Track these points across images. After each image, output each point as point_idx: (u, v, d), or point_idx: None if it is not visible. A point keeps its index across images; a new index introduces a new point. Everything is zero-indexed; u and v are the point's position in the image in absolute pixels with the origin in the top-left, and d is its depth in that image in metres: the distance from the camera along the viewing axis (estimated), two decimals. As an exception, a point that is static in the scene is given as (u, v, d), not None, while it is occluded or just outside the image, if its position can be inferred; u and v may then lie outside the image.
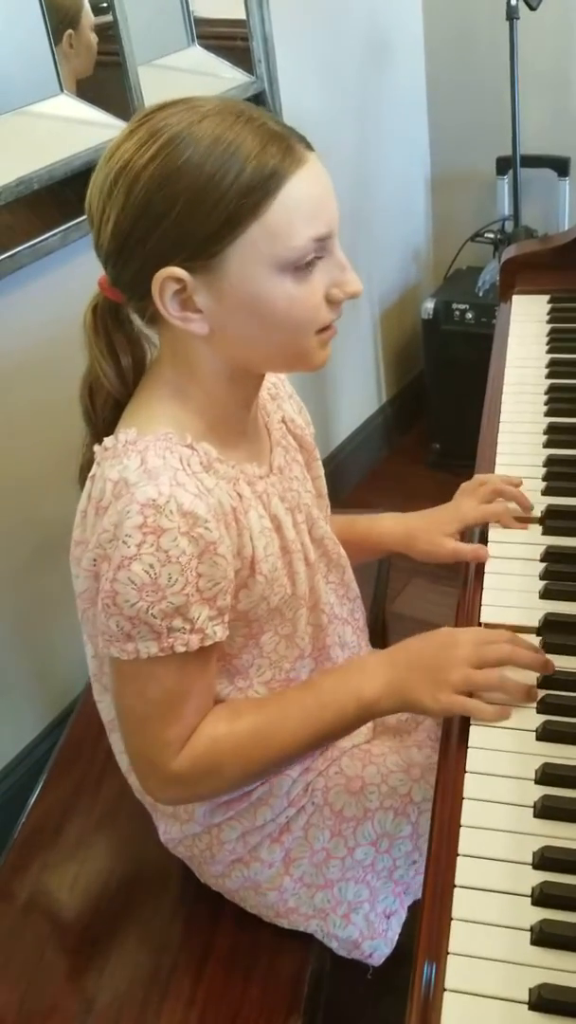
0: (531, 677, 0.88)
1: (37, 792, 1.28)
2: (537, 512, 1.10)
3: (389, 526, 1.16)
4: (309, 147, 0.83)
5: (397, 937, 1.05)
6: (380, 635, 1.48)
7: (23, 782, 1.62)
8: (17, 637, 1.66)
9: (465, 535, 1.12)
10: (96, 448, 0.87)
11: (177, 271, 0.80)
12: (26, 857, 1.19)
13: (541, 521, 1.09)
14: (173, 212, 0.78)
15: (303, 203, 0.80)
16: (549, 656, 0.89)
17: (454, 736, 0.85)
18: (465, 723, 0.86)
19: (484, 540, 1.08)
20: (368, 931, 1.03)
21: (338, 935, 1.03)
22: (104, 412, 0.90)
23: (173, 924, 1.09)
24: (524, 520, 1.10)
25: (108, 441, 0.86)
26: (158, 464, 0.82)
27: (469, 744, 0.83)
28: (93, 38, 1.61)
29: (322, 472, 1.08)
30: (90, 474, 0.87)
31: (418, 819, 1.01)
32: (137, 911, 1.11)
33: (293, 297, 0.82)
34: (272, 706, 0.93)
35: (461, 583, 1.04)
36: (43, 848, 1.20)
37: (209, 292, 0.81)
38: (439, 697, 0.86)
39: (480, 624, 0.97)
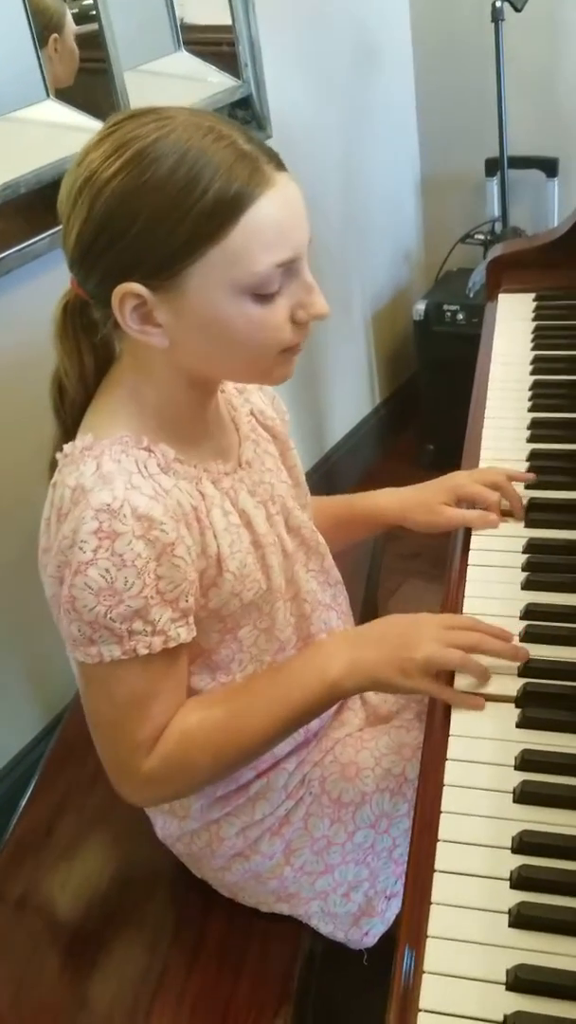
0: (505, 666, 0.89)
1: (30, 792, 1.29)
2: (520, 506, 1.11)
3: (386, 500, 1.17)
4: (280, 166, 0.81)
5: (393, 919, 1.06)
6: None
7: (21, 783, 1.62)
8: (14, 638, 1.66)
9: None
10: (57, 455, 0.88)
11: (136, 287, 0.79)
12: (19, 856, 1.20)
13: (524, 513, 1.10)
14: (133, 230, 0.77)
15: (267, 229, 0.79)
16: (531, 645, 0.90)
17: (436, 723, 0.86)
18: (447, 712, 0.87)
19: (469, 531, 1.09)
20: (367, 908, 1.05)
21: (338, 912, 1.04)
22: (72, 410, 0.91)
23: (164, 920, 1.09)
24: (507, 514, 1.11)
25: (67, 447, 0.87)
26: (112, 468, 0.82)
27: (451, 732, 0.84)
28: (75, 48, 1.61)
29: (298, 461, 1.08)
30: (52, 482, 0.88)
31: (414, 796, 1.01)
32: (129, 908, 1.11)
33: (254, 320, 0.82)
34: (240, 696, 0.94)
35: (446, 574, 1.05)
36: (35, 847, 1.20)
37: (168, 309, 0.81)
38: (407, 676, 0.87)
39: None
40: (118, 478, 0.82)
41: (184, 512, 0.87)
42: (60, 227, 1.50)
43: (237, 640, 0.96)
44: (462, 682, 0.88)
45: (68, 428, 0.91)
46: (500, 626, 0.91)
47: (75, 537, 0.81)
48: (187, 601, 0.86)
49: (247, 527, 0.94)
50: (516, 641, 0.91)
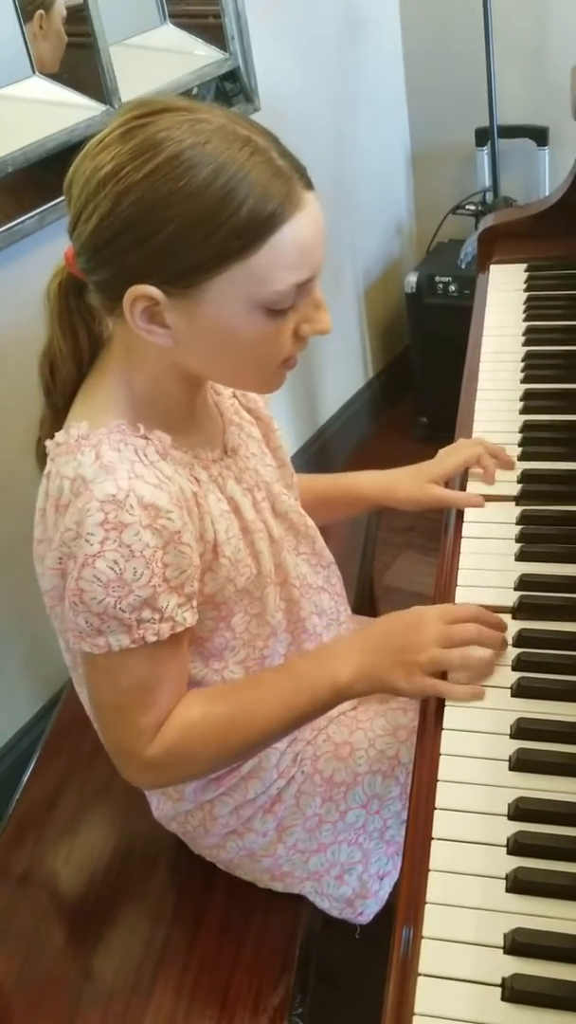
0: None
1: (30, 770, 1.30)
2: (513, 477, 1.11)
3: (371, 479, 1.18)
4: (308, 185, 0.80)
5: (387, 897, 1.07)
6: (369, 607, 1.50)
7: (19, 763, 1.64)
8: (10, 620, 1.67)
9: (449, 487, 1.13)
10: (48, 443, 0.87)
11: (152, 290, 0.78)
12: (22, 833, 1.21)
13: (518, 484, 1.10)
14: (160, 236, 0.76)
15: (291, 250, 0.78)
16: (525, 615, 0.91)
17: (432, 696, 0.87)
18: (442, 678, 0.87)
19: (463, 505, 1.10)
20: (361, 890, 1.06)
21: (332, 894, 1.05)
22: (63, 389, 0.90)
23: (166, 894, 1.10)
24: (503, 465, 1.12)
25: (60, 436, 0.86)
26: (113, 458, 0.82)
27: (447, 703, 0.85)
28: (62, 31, 1.59)
29: (282, 442, 1.07)
30: (45, 471, 0.87)
31: (406, 780, 1.02)
32: (131, 882, 1.13)
33: (263, 333, 0.82)
34: (246, 691, 0.94)
35: (440, 546, 1.06)
36: (38, 824, 1.22)
37: (180, 314, 0.80)
38: (411, 679, 0.87)
39: (456, 587, 0.98)
40: (120, 467, 0.81)
41: (186, 498, 0.87)
42: (48, 205, 1.52)
43: (230, 628, 0.96)
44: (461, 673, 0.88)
45: (58, 409, 0.90)
46: (497, 616, 0.91)
47: (80, 530, 0.80)
48: (192, 586, 0.86)
49: (235, 513, 0.94)
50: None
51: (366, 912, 1.06)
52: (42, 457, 0.89)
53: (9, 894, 1.14)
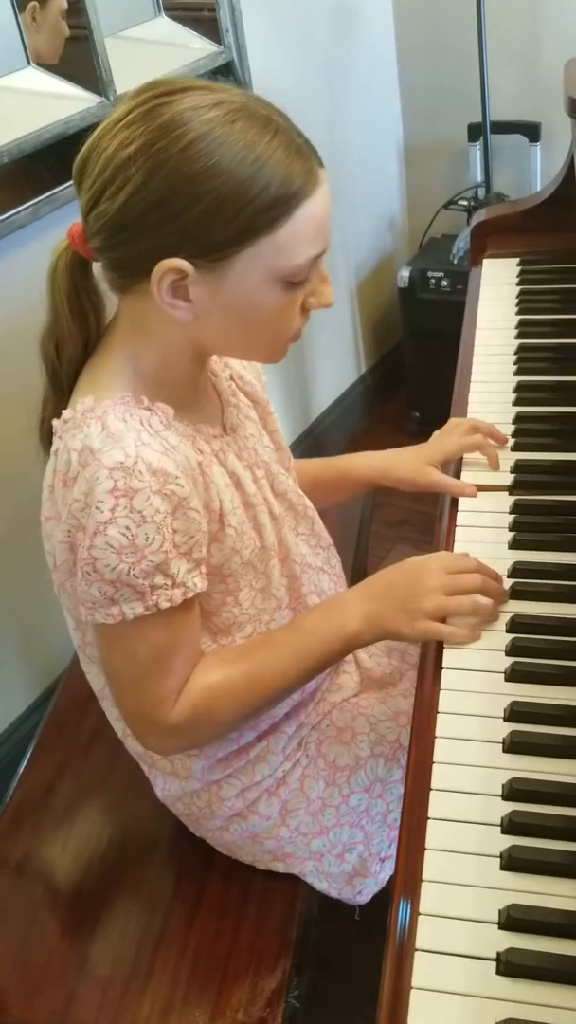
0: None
1: (27, 758, 1.30)
2: (507, 467, 1.13)
3: (369, 458, 1.19)
4: (321, 163, 0.84)
5: (386, 880, 1.08)
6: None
7: (15, 753, 1.64)
8: (6, 609, 1.68)
9: (445, 472, 1.14)
10: (55, 423, 0.88)
11: (183, 264, 0.80)
12: (19, 820, 1.21)
13: (511, 474, 1.12)
14: (194, 211, 0.78)
15: (311, 225, 0.82)
16: (518, 602, 0.93)
17: (428, 676, 0.88)
18: (437, 664, 0.89)
19: (456, 493, 1.11)
20: (361, 868, 1.07)
21: (332, 872, 1.06)
22: (69, 367, 0.91)
23: (163, 879, 1.11)
24: (499, 448, 1.14)
25: (66, 413, 0.87)
26: (120, 427, 0.83)
27: (442, 686, 0.87)
28: (64, 26, 1.59)
29: (279, 425, 1.09)
30: (52, 449, 0.88)
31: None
32: (128, 869, 1.13)
33: (279, 306, 0.85)
34: (260, 650, 0.96)
35: (435, 536, 1.07)
36: (35, 812, 1.22)
37: (206, 287, 0.82)
38: (415, 624, 0.90)
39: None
40: (128, 436, 0.82)
41: (191, 467, 0.88)
42: (42, 197, 1.53)
43: (238, 603, 0.98)
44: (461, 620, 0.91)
45: (62, 388, 0.91)
46: (495, 571, 0.95)
47: (89, 499, 0.81)
48: (200, 551, 0.88)
49: (237, 487, 0.96)
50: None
51: (365, 891, 1.08)
52: (46, 438, 0.90)
53: (6, 881, 1.15)
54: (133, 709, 0.92)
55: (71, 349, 0.90)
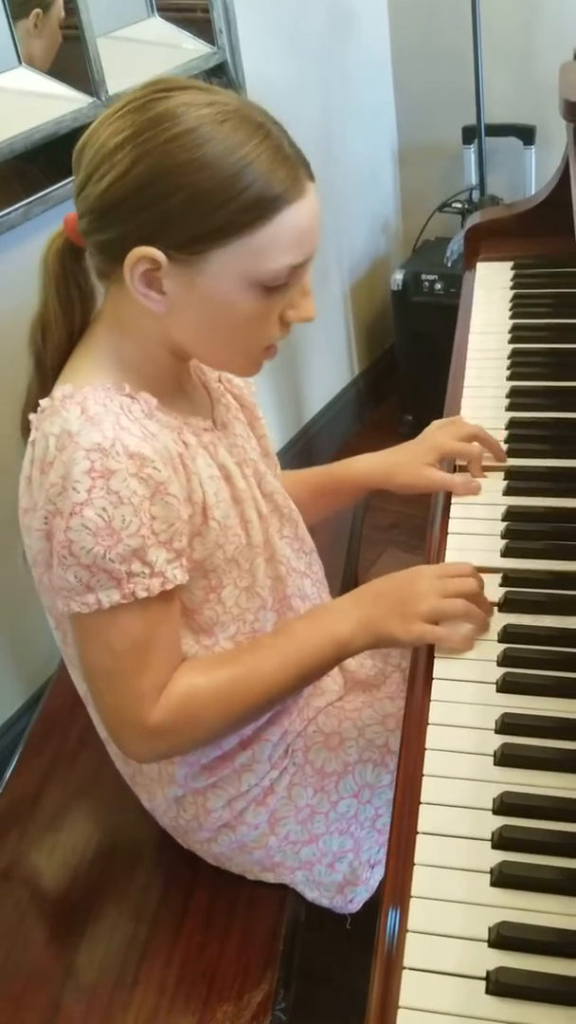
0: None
1: (14, 764, 1.29)
2: (499, 473, 1.12)
3: (366, 464, 1.17)
4: (311, 176, 0.84)
5: (377, 886, 1.07)
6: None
7: (5, 755, 1.63)
8: (-8, 613, 1.67)
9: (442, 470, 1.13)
10: (32, 416, 0.88)
11: (156, 253, 0.80)
12: (4, 828, 1.20)
13: (504, 480, 1.11)
14: (172, 200, 0.79)
15: (291, 233, 0.82)
16: (511, 611, 0.92)
17: (418, 687, 0.87)
18: (428, 675, 0.88)
19: (449, 497, 1.10)
20: (352, 877, 1.06)
21: (323, 881, 1.05)
22: (54, 355, 0.91)
23: (150, 888, 1.10)
24: (490, 469, 1.12)
25: (43, 403, 0.87)
26: (99, 411, 0.83)
27: (432, 697, 0.85)
28: (58, 32, 1.58)
29: (266, 431, 1.09)
30: (29, 439, 0.87)
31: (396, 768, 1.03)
32: (114, 877, 1.12)
33: (253, 312, 0.85)
34: (248, 654, 0.95)
35: (426, 542, 1.06)
36: (21, 819, 1.21)
37: (179, 281, 0.82)
38: (409, 628, 0.89)
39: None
40: (106, 419, 0.83)
41: (171, 456, 0.87)
42: (34, 197, 1.51)
43: (220, 601, 0.96)
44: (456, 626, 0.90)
45: (45, 375, 0.91)
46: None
47: (65, 482, 0.81)
48: (180, 541, 0.87)
49: (227, 481, 0.95)
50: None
51: (356, 900, 1.07)
52: (26, 427, 0.90)
53: (-8, 889, 1.13)
54: (111, 707, 0.90)
55: (56, 336, 0.90)
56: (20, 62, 1.53)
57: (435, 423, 1.17)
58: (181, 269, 0.82)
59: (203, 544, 0.92)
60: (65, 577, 0.83)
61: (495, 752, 0.79)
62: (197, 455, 0.91)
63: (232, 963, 1.01)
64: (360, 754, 1.04)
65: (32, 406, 0.89)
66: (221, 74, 1.93)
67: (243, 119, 0.80)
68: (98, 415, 0.83)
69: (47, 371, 0.91)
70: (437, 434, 1.14)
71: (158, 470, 0.83)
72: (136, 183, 0.79)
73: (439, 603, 0.89)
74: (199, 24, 1.88)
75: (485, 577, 0.95)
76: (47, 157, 1.53)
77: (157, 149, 0.78)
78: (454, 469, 1.13)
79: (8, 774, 1.28)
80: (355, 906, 1.07)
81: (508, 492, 1.09)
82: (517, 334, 1.39)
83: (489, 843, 0.72)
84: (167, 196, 0.79)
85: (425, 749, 0.80)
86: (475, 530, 1.05)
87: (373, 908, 1.06)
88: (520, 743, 0.79)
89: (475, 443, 1.13)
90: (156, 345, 0.89)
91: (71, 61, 1.60)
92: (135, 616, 0.85)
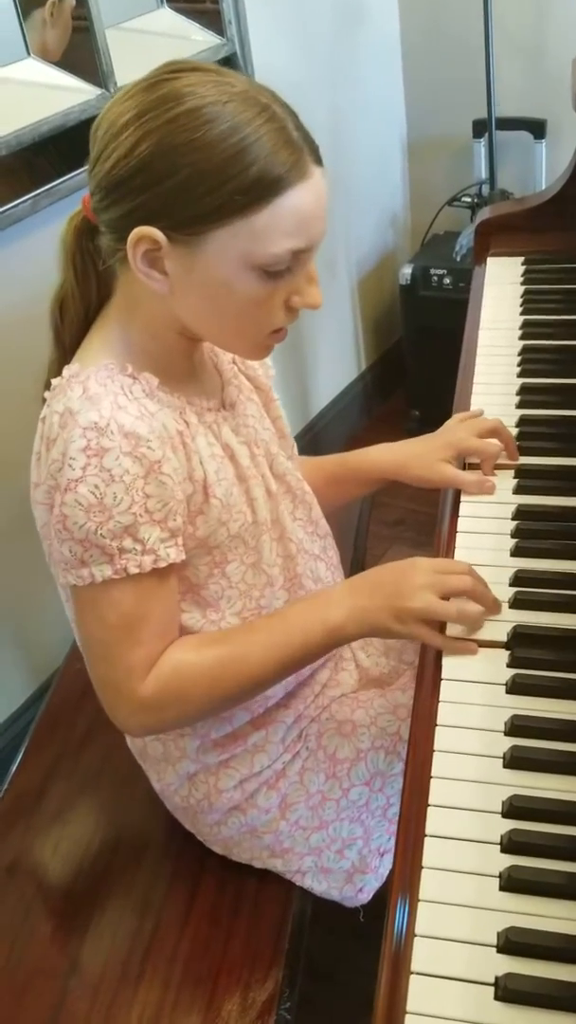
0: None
1: (20, 757, 1.29)
2: (509, 471, 1.11)
3: (381, 454, 1.17)
4: (318, 160, 0.84)
5: (387, 875, 1.07)
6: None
7: (11, 748, 1.63)
8: (1, 603, 1.66)
9: (457, 466, 1.12)
10: (45, 393, 0.90)
11: (156, 233, 0.81)
12: (10, 821, 1.20)
13: (514, 478, 1.10)
14: (171, 181, 0.79)
15: (292, 216, 0.82)
16: (520, 611, 0.91)
17: (426, 687, 0.87)
18: (436, 675, 0.87)
19: (458, 495, 1.09)
20: (361, 865, 1.06)
21: (331, 868, 1.05)
22: (72, 329, 0.92)
23: (155, 882, 1.10)
24: (500, 467, 1.11)
25: (55, 381, 0.89)
26: (99, 391, 0.85)
27: (440, 698, 0.85)
28: (70, 22, 1.57)
29: (281, 413, 1.09)
30: (40, 416, 0.89)
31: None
32: (120, 870, 1.12)
33: (254, 295, 0.85)
34: (239, 634, 0.95)
35: (435, 540, 1.05)
36: (27, 812, 1.21)
37: (180, 262, 0.83)
38: (403, 620, 0.88)
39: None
40: (105, 399, 0.84)
41: (170, 435, 0.88)
42: (42, 190, 1.51)
43: (225, 576, 0.97)
44: (454, 629, 0.89)
45: (65, 350, 0.93)
46: (485, 581, 0.92)
47: (64, 458, 0.83)
48: (175, 521, 0.88)
49: (231, 460, 0.96)
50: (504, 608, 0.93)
51: (366, 889, 1.07)
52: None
53: (-3, 883, 1.13)
54: (103, 678, 0.91)
55: (72, 311, 0.92)
56: (28, 53, 1.52)
57: (456, 416, 1.16)
58: (181, 250, 0.82)
59: (206, 522, 0.92)
60: (61, 551, 0.85)
61: (504, 754, 0.78)
62: (198, 434, 0.92)
63: (237, 960, 1.01)
64: (372, 741, 1.04)
65: (48, 384, 0.90)
66: (230, 66, 1.92)
67: (247, 100, 0.80)
68: (97, 394, 0.84)
69: (65, 348, 0.93)
70: (457, 429, 1.13)
71: (152, 449, 0.84)
72: (139, 162, 0.79)
73: (433, 603, 0.88)
74: (208, 15, 1.87)
75: (493, 575, 0.94)
76: (55, 149, 1.52)
77: (160, 128, 0.79)
78: (466, 466, 1.12)
79: (14, 767, 1.28)
80: (365, 896, 1.07)
81: (518, 490, 1.08)
82: (527, 330, 1.38)
83: (498, 847, 0.72)
84: (168, 176, 0.79)
85: (433, 751, 0.80)
86: (484, 529, 1.04)
87: (381, 906, 1.06)
88: (530, 745, 0.79)
89: (494, 441, 1.11)
90: (163, 326, 0.90)
91: (79, 52, 1.60)
92: (127, 591, 0.86)
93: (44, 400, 0.91)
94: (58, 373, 0.90)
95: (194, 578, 0.95)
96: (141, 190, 0.80)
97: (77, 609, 0.90)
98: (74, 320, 0.92)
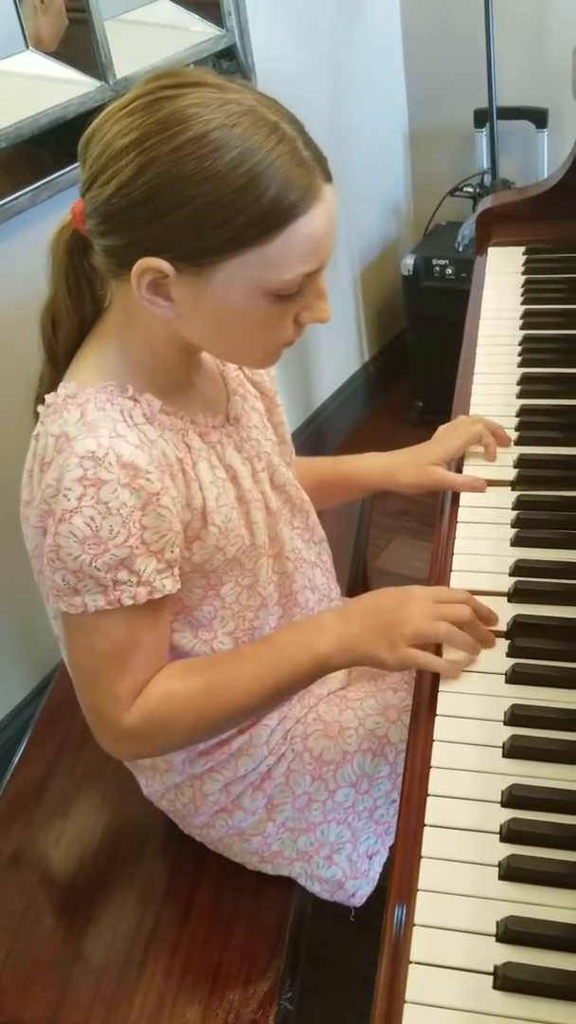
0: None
1: (21, 751, 1.29)
2: (510, 462, 1.11)
3: (371, 462, 1.17)
4: (328, 177, 0.81)
5: (378, 877, 1.07)
6: (362, 590, 1.48)
7: (12, 743, 1.63)
8: (2, 599, 1.66)
9: (450, 469, 1.12)
10: (40, 408, 0.87)
11: (163, 264, 0.78)
12: (12, 814, 1.20)
13: (514, 468, 1.10)
14: (179, 213, 0.76)
15: (306, 242, 0.79)
16: (519, 603, 0.91)
17: (426, 677, 0.87)
18: (435, 667, 0.87)
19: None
20: (351, 871, 1.05)
21: (321, 876, 1.05)
22: (65, 345, 0.90)
23: (157, 876, 1.10)
24: (501, 442, 1.12)
25: (49, 398, 0.86)
26: (97, 416, 0.82)
27: (440, 688, 0.85)
28: (63, 10, 1.56)
29: (284, 418, 1.07)
30: (33, 433, 0.87)
31: (396, 759, 1.02)
32: (121, 864, 1.12)
33: (265, 318, 0.83)
34: (226, 662, 0.94)
35: (435, 531, 1.05)
36: (28, 806, 1.21)
37: (187, 290, 0.80)
38: (395, 651, 0.87)
39: (451, 571, 0.98)
40: (103, 426, 0.81)
41: (169, 463, 0.87)
42: (41, 182, 1.50)
43: (220, 597, 0.96)
44: (451, 653, 0.88)
45: (58, 365, 0.90)
46: (488, 607, 0.90)
47: (59, 485, 0.80)
48: (172, 552, 0.86)
49: (233, 482, 0.94)
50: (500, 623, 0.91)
51: (359, 894, 1.06)
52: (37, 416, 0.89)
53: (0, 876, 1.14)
54: (90, 704, 0.90)
55: (67, 326, 0.89)
56: (27, 45, 1.52)
57: (441, 427, 1.16)
58: (189, 279, 0.79)
59: (203, 548, 0.91)
60: (53, 578, 0.83)
61: (504, 744, 0.78)
62: (199, 459, 0.90)
63: (238, 952, 1.01)
64: (359, 744, 1.03)
65: (42, 398, 0.88)
66: (230, 57, 1.91)
67: (256, 121, 0.76)
68: (95, 420, 0.82)
69: (59, 360, 0.90)
70: (445, 436, 1.14)
71: (151, 481, 0.82)
72: (142, 193, 0.76)
73: (425, 625, 0.87)
74: (208, 6, 1.86)
75: (493, 565, 0.93)
76: (55, 141, 1.51)
77: (164, 157, 0.75)
78: (459, 471, 1.12)
79: (16, 761, 1.28)
80: (358, 900, 1.07)
81: (518, 481, 1.08)
82: (529, 320, 1.38)
83: (497, 836, 0.72)
84: (175, 208, 0.76)
85: (433, 740, 0.80)
86: (484, 519, 1.04)
87: (381, 894, 1.06)
88: (529, 735, 0.78)
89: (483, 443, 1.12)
90: (163, 342, 0.87)
91: (78, 44, 1.59)
92: (119, 622, 0.85)
93: (36, 414, 0.89)
94: (51, 388, 0.87)
95: (188, 600, 0.94)
96: (146, 222, 0.77)
97: (66, 633, 0.89)
98: (68, 335, 0.89)
